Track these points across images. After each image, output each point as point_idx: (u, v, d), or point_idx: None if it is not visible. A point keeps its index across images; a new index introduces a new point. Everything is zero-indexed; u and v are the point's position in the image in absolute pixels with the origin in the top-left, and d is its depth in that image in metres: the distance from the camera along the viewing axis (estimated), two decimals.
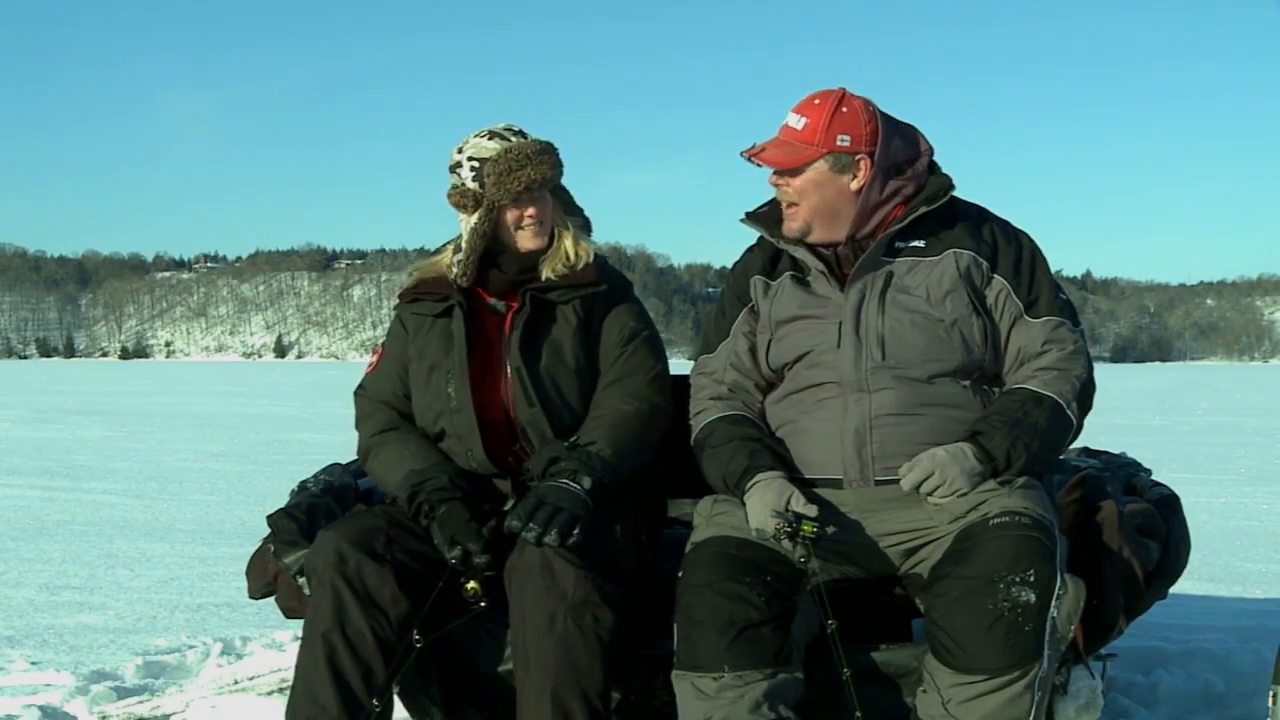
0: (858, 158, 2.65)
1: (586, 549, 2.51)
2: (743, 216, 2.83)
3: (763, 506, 2.51)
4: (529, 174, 2.72)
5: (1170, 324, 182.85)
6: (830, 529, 2.52)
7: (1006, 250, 2.69)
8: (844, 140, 2.64)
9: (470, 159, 2.74)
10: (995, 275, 2.67)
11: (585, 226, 2.95)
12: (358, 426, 2.92)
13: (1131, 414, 22.24)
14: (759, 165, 2.71)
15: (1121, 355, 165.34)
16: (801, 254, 2.71)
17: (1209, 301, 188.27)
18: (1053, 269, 2.79)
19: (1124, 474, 3.04)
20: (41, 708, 3.78)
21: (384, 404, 2.89)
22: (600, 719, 2.49)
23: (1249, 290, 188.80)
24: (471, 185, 2.75)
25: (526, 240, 2.80)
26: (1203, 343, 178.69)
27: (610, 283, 2.86)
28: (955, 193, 2.71)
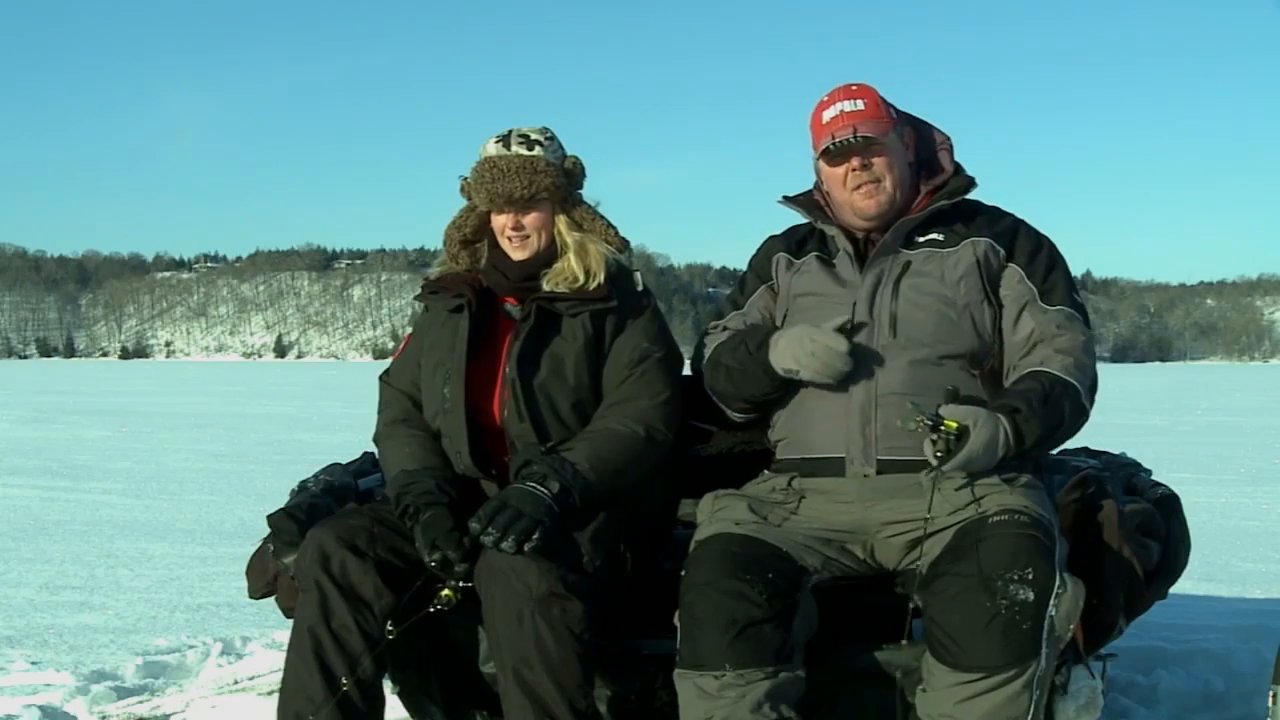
0: (904, 129, 2.74)
1: (549, 548, 2.51)
2: (781, 199, 2.86)
3: (792, 342, 2.59)
4: (499, 186, 2.73)
5: (1170, 324, 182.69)
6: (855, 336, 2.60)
7: (1025, 243, 2.72)
8: (893, 113, 2.72)
9: (480, 155, 2.79)
10: (1010, 264, 2.69)
11: (618, 244, 2.85)
12: (378, 412, 2.95)
13: (1131, 414, 22.23)
14: (854, 140, 2.65)
15: (1121, 355, 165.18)
16: (840, 237, 2.74)
17: (1209, 301, 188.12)
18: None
19: (1124, 474, 3.03)
20: (41, 708, 3.79)
21: (402, 393, 2.91)
22: (582, 713, 2.48)
23: (1249, 290, 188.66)
24: (469, 179, 2.81)
25: (509, 249, 2.81)
26: (1203, 343, 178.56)
27: (624, 299, 2.80)
28: (976, 194, 2.77)
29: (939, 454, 2.42)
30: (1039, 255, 2.71)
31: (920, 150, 2.77)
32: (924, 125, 2.80)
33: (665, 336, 2.85)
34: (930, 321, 2.62)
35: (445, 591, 2.55)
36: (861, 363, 2.60)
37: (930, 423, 2.42)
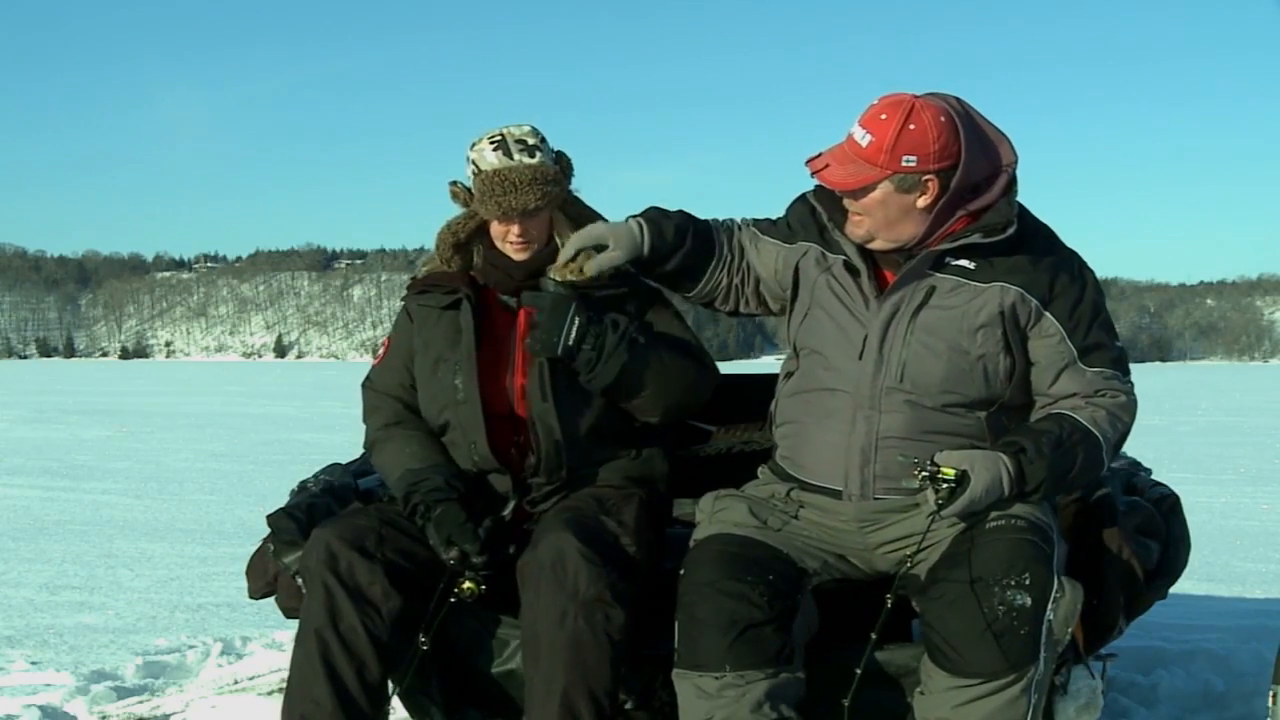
0: (925, 178, 2.48)
1: (600, 546, 2.50)
2: (810, 192, 2.69)
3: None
4: (512, 200, 2.69)
5: (1170, 324, 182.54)
6: None
7: (1067, 291, 2.54)
8: (910, 161, 2.46)
9: (473, 162, 2.73)
10: (1047, 314, 2.53)
11: None
12: (365, 419, 2.91)
13: None
14: (822, 183, 2.59)
15: None
16: (853, 253, 2.60)
17: (1209, 301, 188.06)
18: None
19: (1124, 474, 3.03)
20: (41, 708, 3.79)
21: (390, 396, 2.88)
22: (606, 718, 2.48)
23: (1249, 290, 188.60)
24: (466, 186, 2.77)
25: (512, 253, 2.80)
26: (1203, 343, 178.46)
27: (634, 286, 2.82)
28: (1026, 203, 2.60)
29: (940, 501, 2.39)
30: (1080, 307, 2.54)
31: (974, 171, 2.51)
32: (989, 143, 2.55)
33: (683, 323, 2.90)
34: (940, 371, 2.52)
35: (467, 584, 2.53)
36: (865, 402, 2.54)
37: (927, 473, 2.40)
